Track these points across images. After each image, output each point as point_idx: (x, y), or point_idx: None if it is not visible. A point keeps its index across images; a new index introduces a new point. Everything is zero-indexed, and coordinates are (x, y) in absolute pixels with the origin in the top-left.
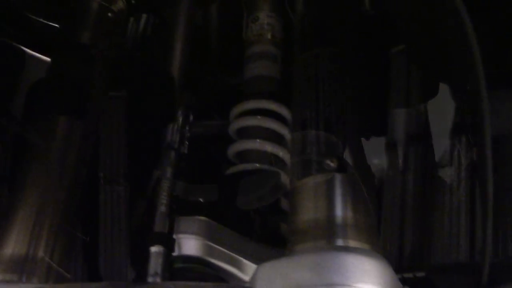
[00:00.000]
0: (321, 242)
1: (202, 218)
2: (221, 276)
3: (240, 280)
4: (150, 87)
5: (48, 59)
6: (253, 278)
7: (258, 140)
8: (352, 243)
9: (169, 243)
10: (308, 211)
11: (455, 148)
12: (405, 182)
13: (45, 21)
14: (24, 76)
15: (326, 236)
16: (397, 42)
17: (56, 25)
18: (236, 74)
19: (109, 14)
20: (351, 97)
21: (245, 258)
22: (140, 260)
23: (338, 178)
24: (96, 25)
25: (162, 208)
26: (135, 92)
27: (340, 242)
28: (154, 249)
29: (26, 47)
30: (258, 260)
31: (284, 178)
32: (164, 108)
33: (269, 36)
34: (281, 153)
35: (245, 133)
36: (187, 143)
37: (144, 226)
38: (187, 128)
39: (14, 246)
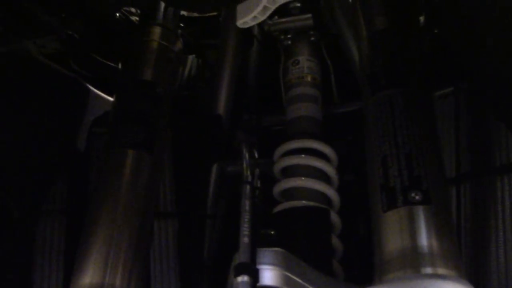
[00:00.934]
0: (410, 271)
1: (280, 249)
2: None
3: None
4: (197, 125)
5: (105, 96)
6: None
7: (303, 178)
8: (440, 271)
9: (253, 273)
10: (395, 241)
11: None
12: (458, 219)
13: (106, 61)
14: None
15: (415, 264)
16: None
17: (114, 65)
18: (271, 115)
19: (171, 54)
20: (427, 132)
21: None
22: None
23: (423, 209)
24: (158, 64)
25: (245, 240)
26: (183, 129)
27: (429, 270)
28: (240, 279)
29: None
30: None
31: (332, 215)
32: (211, 145)
33: (309, 78)
34: (327, 190)
35: (290, 172)
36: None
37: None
38: (254, 163)
39: (92, 275)
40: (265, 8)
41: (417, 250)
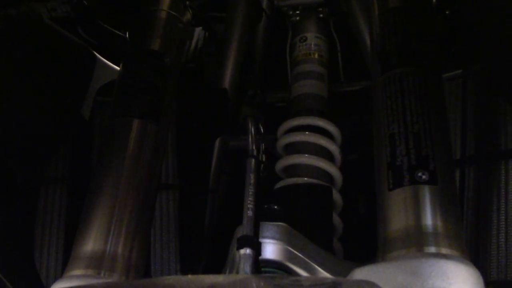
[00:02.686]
0: (414, 250)
1: (284, 224)
2: None
3: None
4: (202, 98)
5: (111, 64)
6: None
7: (306, 155)
8: (444, 251)
9: (256, 246)
10: (400, 220)
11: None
12: (461, 201)
13: (114, 30)
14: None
15: (419, 243)
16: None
17: (121, 34)
18: (276, 91)
19: (180, 25)
20: (436, 112)
21: (320, 267)
22: (191, 260)
23: (429, 189)
24: (166, 34)
25: (249, 213)
26: (188, 102)
27: (432, 250)
28: (242, 251)
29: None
30: (331, 270)
31: (334, 193)
32: (216, 118)
33: (316, 56)
34: (330, 168)
35: (293, 148)
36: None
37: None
38: (260, 138)
39: (94, 243)
40: None
41: (421, 229)
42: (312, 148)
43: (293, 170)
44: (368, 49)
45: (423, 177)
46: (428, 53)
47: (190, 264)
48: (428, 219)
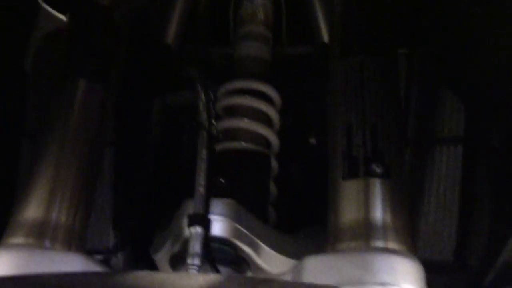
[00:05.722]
0: (362, 243)
1: (232, 200)
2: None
3: (258, 266)
4: (145, 55)
5: (56, 13)
6: (298, 270)
7: (245, 119)
8: (391, 245)
9: (207, 224)
10: (352, 212)
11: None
12: None
13: None
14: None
15: (367, 237)
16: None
17: None
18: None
19: None
20: (394, 104)
21: (265, 245)
22: (124, 229)
23: (382, 183)
24: None
25: (200, 189)
26: (130, 60)
27: (380, 244)
28: (193, 230)
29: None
30: (275, 247)
31: (272, 160)
32: (157, 74)
33: (262, 16)
34: (268, 134)
35: (233, 111)
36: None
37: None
38: (211, 106)
39: (36, 210)
40: None
41: (371, 222)
42: (252, 112)
43: (231, 133)
44: (316, 13)
45: (377, 170)
46: (388, 40)
47: (124, 224)
48: (378, 213)
